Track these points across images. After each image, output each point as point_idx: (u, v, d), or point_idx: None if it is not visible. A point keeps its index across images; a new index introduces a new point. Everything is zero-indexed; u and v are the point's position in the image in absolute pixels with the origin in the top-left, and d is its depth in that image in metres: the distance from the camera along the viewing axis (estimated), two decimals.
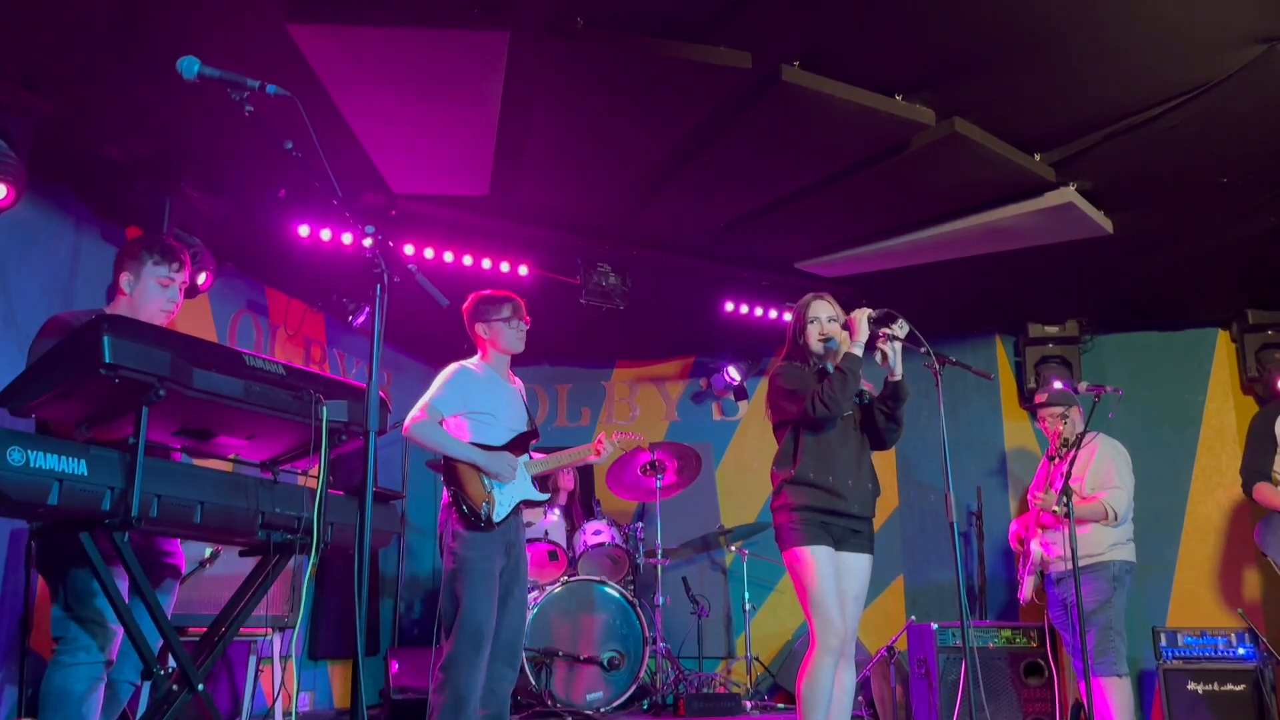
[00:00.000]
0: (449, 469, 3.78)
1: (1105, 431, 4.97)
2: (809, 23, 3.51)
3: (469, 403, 3.86)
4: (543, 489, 4.04)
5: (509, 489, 3.83)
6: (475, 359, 4.04)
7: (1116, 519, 4.72)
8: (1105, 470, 4.83)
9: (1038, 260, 5.32)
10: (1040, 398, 5.20)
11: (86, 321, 2.26)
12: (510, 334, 3.98)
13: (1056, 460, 4.95)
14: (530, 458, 3.99)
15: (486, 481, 3.80)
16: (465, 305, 4.02)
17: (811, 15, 3.46)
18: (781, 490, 3.53)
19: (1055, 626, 4.99)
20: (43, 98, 3.82)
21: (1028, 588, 5.00)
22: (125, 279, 3.10)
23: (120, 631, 2.80)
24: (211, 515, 2.44)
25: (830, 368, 3.60)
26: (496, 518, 3.75)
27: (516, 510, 3.86)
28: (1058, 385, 5.64)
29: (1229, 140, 4.16)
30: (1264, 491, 4.89)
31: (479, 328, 4.00)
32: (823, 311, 3.67)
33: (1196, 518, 6.16)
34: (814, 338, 3.64)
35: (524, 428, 4.00)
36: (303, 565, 2.77)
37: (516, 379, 4.13)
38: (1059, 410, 5.05)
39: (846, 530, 3.52)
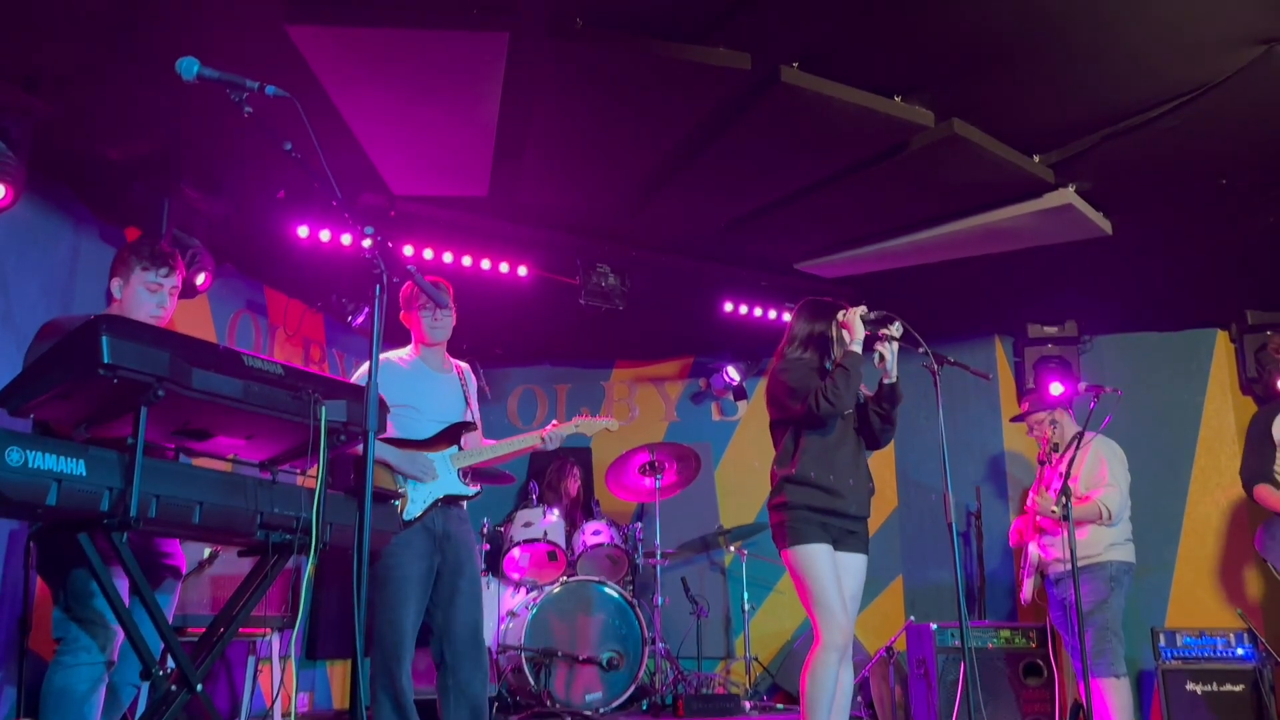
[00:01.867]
0: (356, 465, 3.70)
1: (1102, 432, 4.97)
2: (808, 23, 3.51)
3: (385, 395, 3.71)
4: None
5: (426, 484, 3.69)
6: (405, 350, 3.93)
7: (1111, 518, 4.72)
8: (1098, 470, 4.84)
9: (1037, 261, 5.33)
10: (1024, 406, 5.23)
11: (85, 322, 2.26)
12: (426, 323, 3.84)
13: (1048, 464, 4.97)
14: (460, 449, 3.82)
15: (399, 477, 3.66)
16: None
17: (811, 16, 3.47)
18: (781, 489, 3.54)
19: (1056, 627, 5.00)
20: (42, 98, 3.82)
21: (1028, 589, 5.01)
22: (116, 284, 3.11)
23: (121, 632, 2.80)
24: (210, 515, 2.44)
25: (829, 365, 3.62)
26: (408, 516, 3.61)
27: (439, 505, 3.70)
28: (1057, 389, 5.65)
29: (1229, 140, 4.16)
30: (1265, 493, 4.90)
31: (402, 316, 3.90)
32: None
33: (1195, 518, 6.16)
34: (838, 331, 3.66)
35: (456, 418, 3.84)
36: (301, 565, 2.77)
37: (458, 365, 3.99)
38: (1045, 417, 5.07)
39: (843, 530, 3.54)
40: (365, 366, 3.66)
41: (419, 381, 3.84)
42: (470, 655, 3.66)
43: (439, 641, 3.68)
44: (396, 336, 6.56)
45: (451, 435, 3.83)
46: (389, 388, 3.69)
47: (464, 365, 4.04)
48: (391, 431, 3.74)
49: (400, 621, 3.55)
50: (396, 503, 3.60)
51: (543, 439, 3.94)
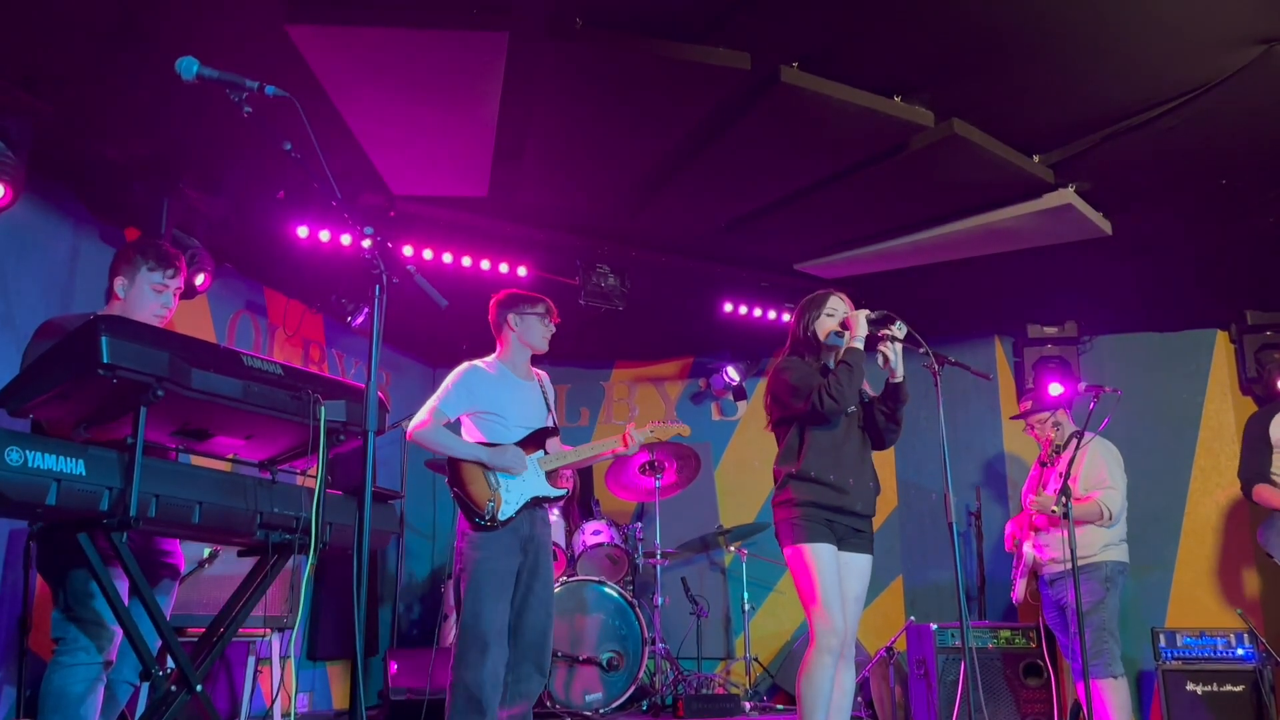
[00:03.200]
0: (452, 469, 3.75)
1: (1102, 432, 4.96)
2: (808, 23, 3.51)
3: (475, 402, 3.84)
4: (560, 485, 3.96)
5: (517, 486, 3.78)
6: (490, 357, 4.01)
7: (1111, 518, 4.72)
8: (1097, 471, 4.84)
9: (1037, 261, 5.33)
10: (1025, 405, 5.23)
11: (84, 322, 2.25)
12: (541, 330, 3.99)
13: (1048, 464, 4.96)
14: (545, 453, 3.92)
15: (492, 480, 3.75)
16: (498, 296, 4.01)
17: (811, 15, 3.46)
18: (786, 485, 3.52)
19: (1050, 627, 5.00)
20: (42, 98, 3.82)
21: (1021, 589, 5.01)
22: (120, 283, 3.11)
23: (119, 632, 2.80)
24: (210, 515, 2.44)
25: (832, 363, 3.61)
26: (503, 516, 3.71)
27: (530, 506, 3.80)
28: (1056, 389, 5.65)
29: (1229, 140, 4.16)
30: (1264, 493, 4.90)
31: (511, 318, 3.97)
32: (840, 307, 3.69)
33: (1195, 518, 6.16)
34: (826, 330, 3.64)
35: (540, 424, 3.94)
36: (301, 565, 2.77)
37: (539, 374, 4.09)
38: (1048, 417, 5.07)
39: (849, 529, 3.52)
40: (459, 370, 3.86)
41: (506, 389, 3.92)
42: (533, 658, 3.73)
43: (506, 638, 3.73)
44: (396, 337, 6.59)
45: (537, 440, 3.92)
46: (480, 393, 3.85)
47: (543, 374, 4.13)
48: (480, 437, 3.84)
49: (487, 617, 3.61)
50: (492, 503, 3.70)
51: (625, 444, 4.01)
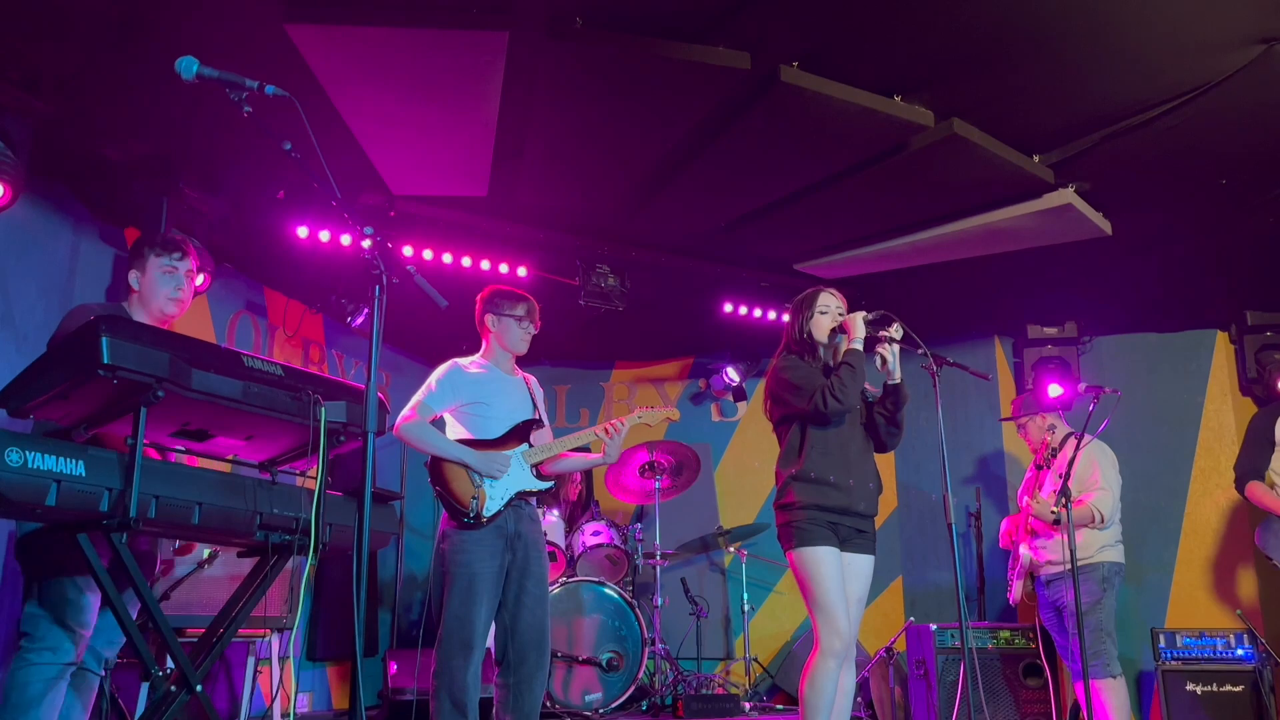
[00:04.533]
0: (434, 467, 3.73)
1: (1102, 433, 4.96)
2: (808, 23, 3.51)
3: (460, 395, 3.82)
4: (546, 477, 3.92)
5: (502, 481, 3.75)
6: (475, 356, 3.99)
7: (1103, 521, 4.72)
8: (1090, 473, 4.83)
9: (1037, 261, 5.33)
10: (1015, 407, 5.22)
11: (83, 323, 2.25)
12: (517, 332, 3.94)
13: (1044, 467, 4.95)
14: (530, 446, 3.89)
15: (475, 476, 3.72)
16: (482, 293, 3.99)
17: (811, 15, 3.47)
18: (788, 488, 3.50)
19: (1046, 628, 4.99)
20: (42, 98, 3.82)
21: (1017, 590, 5.01)
22: (133, 276, 3.16)
23: (87, 635, 2.82)
24: (210, 516, 2.44)
25: (832, 361, 3.61)
26: (487, 513, 3.67)
27: (514, 502, 3.76)
28: (1056, 390, 5.65)
29: (1229, 140, 4.16)
30: (1257, 490, 4.92)
31: (489, 319, 3.94)
32: (832, 303, 3.67)
33: (1195, 519, 6.15)
34: (824, 328, 3.63)
35: (525, 416, 3.92)
36: (301, 566, 2.76)
37: (523, 374, 4.07)
38: (1043, 421, 5.07)
39: (852, 530, 3.50)
40: (442, 367, 3.85)
41: (491, 384, 3.91)
42: (533, 657, 3.68)
43: (504, 640, 3.71)
44: (396, 338, 6.58)
45: (521, 433, 3.89)
46: (464, 388, 3.84)
47: (530, 376, 4.12)
48: (465, 430, 3.82)
49: (470, 619, 3.57)
50: (475, 500, 3.67)
51: (608, 432, 3.90)
